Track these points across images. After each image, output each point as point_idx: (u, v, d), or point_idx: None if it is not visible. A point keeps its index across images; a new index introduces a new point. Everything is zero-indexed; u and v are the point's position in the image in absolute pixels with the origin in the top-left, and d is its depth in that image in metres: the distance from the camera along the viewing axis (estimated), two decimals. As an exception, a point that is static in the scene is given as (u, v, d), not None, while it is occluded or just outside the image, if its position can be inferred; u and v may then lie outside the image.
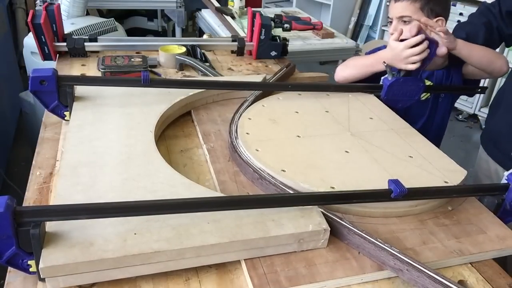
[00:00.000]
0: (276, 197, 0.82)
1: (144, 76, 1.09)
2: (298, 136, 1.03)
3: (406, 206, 0.86)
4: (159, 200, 0.74)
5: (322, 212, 0.79)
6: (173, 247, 0.68)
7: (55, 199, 0.78)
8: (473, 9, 3.38)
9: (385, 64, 1.22)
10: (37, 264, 0.65)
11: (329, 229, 0.76)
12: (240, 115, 1.11)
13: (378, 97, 1.27)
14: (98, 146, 0.92)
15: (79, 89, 1.12)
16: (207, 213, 0.74)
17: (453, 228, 0.84)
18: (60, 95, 1.06)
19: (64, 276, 0.64)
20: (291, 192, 0.85)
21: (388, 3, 1.45)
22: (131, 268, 0.67)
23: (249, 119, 1.09)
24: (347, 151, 0.99)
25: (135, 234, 0.69)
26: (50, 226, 0.68)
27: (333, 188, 0.85)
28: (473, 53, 1.25)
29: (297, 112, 1.15)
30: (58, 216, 0.67)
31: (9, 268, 0.70)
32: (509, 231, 0.85)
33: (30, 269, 0.67)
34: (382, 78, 1.26)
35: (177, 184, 0.83)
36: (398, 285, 0.73)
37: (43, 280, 0.65)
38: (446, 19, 1.34)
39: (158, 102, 1.12)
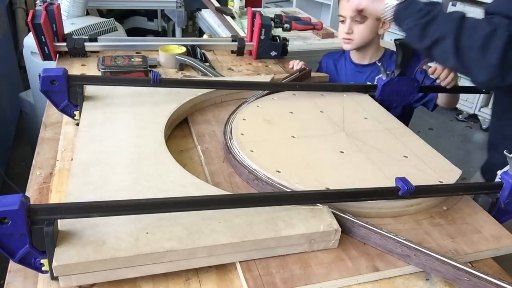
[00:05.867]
0: (285, 194, 0.83)
1: (154, 76, 1.10)
2: (293, 137, 1.04)
3: (401, 206, 0.87)
4: (171, 198, 0.75)
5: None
6: (185, 247, 0.69)
7: (67, 198, 0.79)
8: (473, 9, 3.38)
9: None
10: (50, 262, 0.65)
11: (340, 229, 0.77)
12: (235, 116, 1.12)
13: (373, 97, 1.28)
14: (109, 145, 0.93)
15: (89, 89, 1.14)
16: (218, 213, 0.75)
17: (448, 228, 0.85)
18: (70, 95, 1.07)
19: (77, 274, 0.65)
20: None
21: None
22: (143, 267, 0.68)
23: (244, 119, 1.10)
24: (342, 151, 0.99)
25: (147, 233, 0.70)
26: (63, 224, 0.69)
27: (327, 188, 0.86)
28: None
29: (291, 113, 1.16)
30: (72, 214, 0.68)
31: (9, 268, 0.71)
32: (504, 230, 0.85)
33: (43, 268, 0.67)
34: (377, 78, 1.27)
35: (188, 184, 0.84)
36: (398, 285, 0.74)
37: (55, 278, 0.66)
38: None
39: (168, 102, 1.13)
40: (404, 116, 1.49)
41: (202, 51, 1.62)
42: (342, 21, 1.46)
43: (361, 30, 1.43)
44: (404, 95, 1.26)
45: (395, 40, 1.20)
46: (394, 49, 1.31)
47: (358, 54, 1.55)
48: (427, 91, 1.41)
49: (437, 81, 1.26)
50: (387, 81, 1.22)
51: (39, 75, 1.02)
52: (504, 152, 0.87)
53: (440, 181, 0.92)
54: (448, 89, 1.40)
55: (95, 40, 1.60)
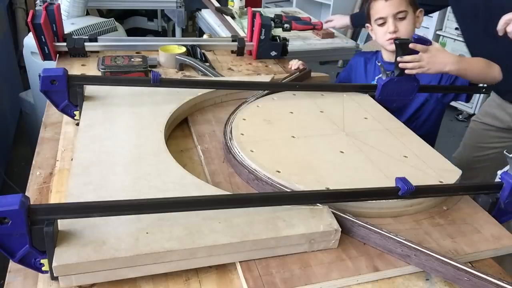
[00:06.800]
0: (285, 194, 0.83)
1: (154, 75, 1.10)
2: (293, 137, 1.04)
3: (401, 206, 0.87)
4: (171, 198, 0.75)
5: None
6: (185, 247, 0.69)
7: (67, 198, 0.79)
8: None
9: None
10: (50, 262, 0.66)
11: (340, 229, 0.77)
12: (235, 116, 1.12)
13: (373, 97, 1.28)
14: (109, 145, 0.93)
15: (89, 89, 1.14)
16: (218, 213, 0.75)
17: (448, 228, 0.85)
18: (70, 95, 1.07)
19: (77, 274, 0.65)
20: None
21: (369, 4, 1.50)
22: (143, 267, 0.68)
23: (244, 119, 1.10)
24: (342, 151, 0.99)
25: (147, 233, 0.70)
26: (63, 224, 0.69)
27: (327, 188, 0.86)
28: (468, 72, 1.25)
29: (291, 113, 1.16)
30: (72, 214, 0.68)
31: (9, 268, 0.71)
32: (504, 231, 0.85)
33: (43, 268, 0.67)
34: (376, 78, 1.27)
35: (188, 184, 0.84)
36: (398, 285, 0.74)
37: (55, 278, 0.66)
38: None
39: (168, 101, 1.13)
40: (437, 113, 1.47)
41: (202, 51, 1.62)
42: (382, 24, 1.43)
43: (405, 26, 1.40)
44: (404, 95, 1.25)
45: (395, 39, 1.20)
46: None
47: (392, 53, 1.51)
48: (427, 91, 1.41)
49: (398, 58, 1.22)
50: (386, 81, 1.22)
51: (39, 75, 1.02)
52: (504, 152, 0.88)
53: (440, 181, 0.92)
54: (448, 89, 1.41)
55: (95, 40, 1.60)
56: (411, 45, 1.18)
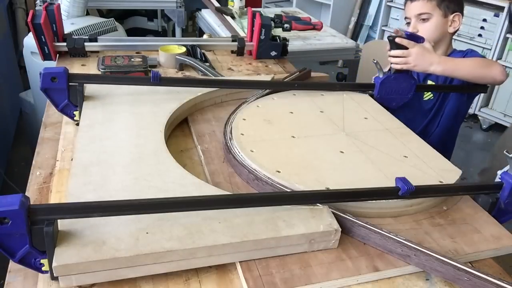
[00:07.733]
0: (285, 194, 0.83)
1: (154, 74, 1.10)
2: (293, 137, 1.04)
3: (401, 206, 0.87)
4: (171, 198, 0.75)
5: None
6: (185, 247, 0.69)
7: (67, 198, 0.79)
8: (473, 9, 3.39)
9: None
10: (50, 262, 0.66)
11: (340, 229, 0.77)
12: (235, 116, 1.12)
13: (373, 97, 1.28)
14: (109, 145, 0.94)
15: (89, 89, 1.14)
16: (218, 213, 0.75)
17: (448, 228, 0.85)
18: (70, 94, 1.07)
19: (77, 274, 0.65)
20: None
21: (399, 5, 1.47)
22: (143, 267, 0.68)
23: (244, 119, 1.10)
24: (342, 152, 0.99)
25: (147, 233, 0.70)
26: (63, 224, 0.69)
27: (327, 188, 0.86)
28: (456, 73, 1.26)
29: (291, 113, 1.16)
30: (72, 214, 0.68)
31: (9, 268, 0.71)
32: (504, 231, 0.85)
33: (43, 268, 0.67)
34: (373, 77, 1.27)
35: (188, 184, 0.84)
36: (398, 285, 0.74)
37: (55, 278, 0.66)
38: (462, 14, 1.39)
39: (168, 101, 1.13)
40: (461, 111, 1.46)
41: (202, 51, 1.62)
42: (408, 23, 1.44)
43: (426, 28, 1.39)
44: (403, 93, 1.26)
45: (389, 36, 1.22)
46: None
47: None
48: (425, 90, 1.41)
49: (390, 52, 1.24)
50: (384, 78, 1.23)
51: (40, 73, 1.02)
52: (504, 152, 0.88)
53: (440, 181, 0.92)
54: (447, 89, 1.41)
55: (95, 40, 1.60)
56: (397, 40, 1.20)
